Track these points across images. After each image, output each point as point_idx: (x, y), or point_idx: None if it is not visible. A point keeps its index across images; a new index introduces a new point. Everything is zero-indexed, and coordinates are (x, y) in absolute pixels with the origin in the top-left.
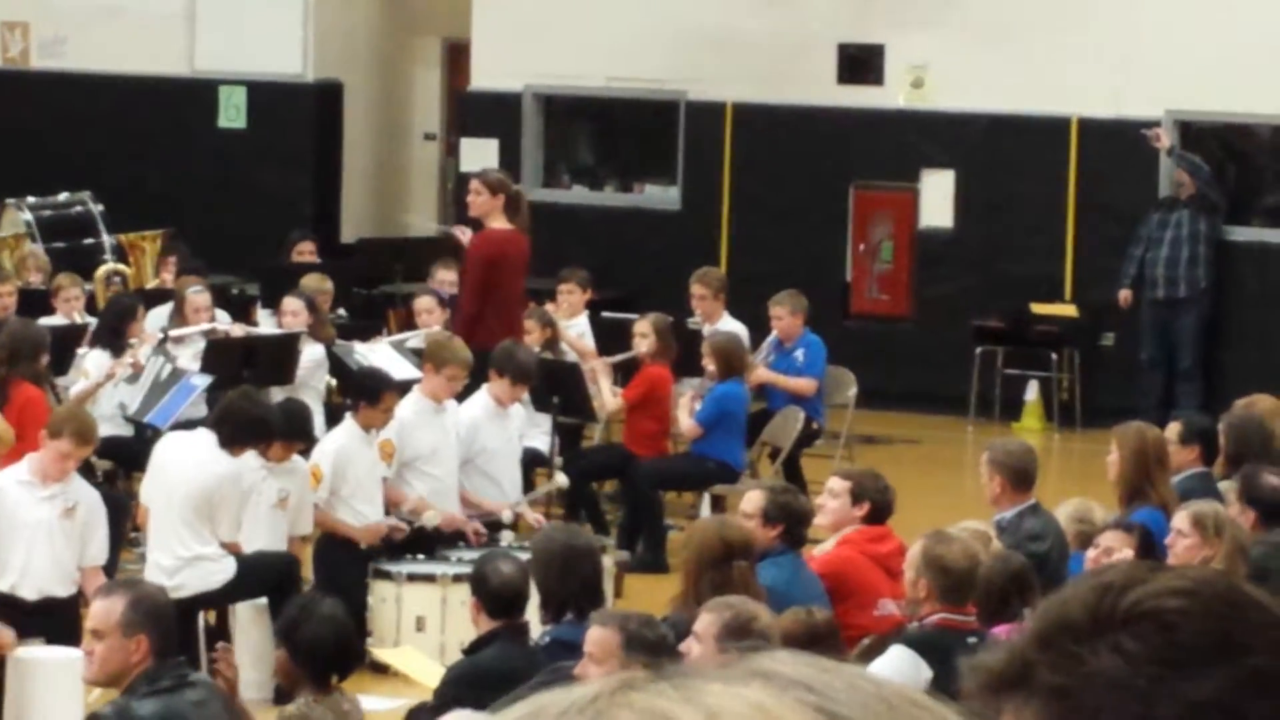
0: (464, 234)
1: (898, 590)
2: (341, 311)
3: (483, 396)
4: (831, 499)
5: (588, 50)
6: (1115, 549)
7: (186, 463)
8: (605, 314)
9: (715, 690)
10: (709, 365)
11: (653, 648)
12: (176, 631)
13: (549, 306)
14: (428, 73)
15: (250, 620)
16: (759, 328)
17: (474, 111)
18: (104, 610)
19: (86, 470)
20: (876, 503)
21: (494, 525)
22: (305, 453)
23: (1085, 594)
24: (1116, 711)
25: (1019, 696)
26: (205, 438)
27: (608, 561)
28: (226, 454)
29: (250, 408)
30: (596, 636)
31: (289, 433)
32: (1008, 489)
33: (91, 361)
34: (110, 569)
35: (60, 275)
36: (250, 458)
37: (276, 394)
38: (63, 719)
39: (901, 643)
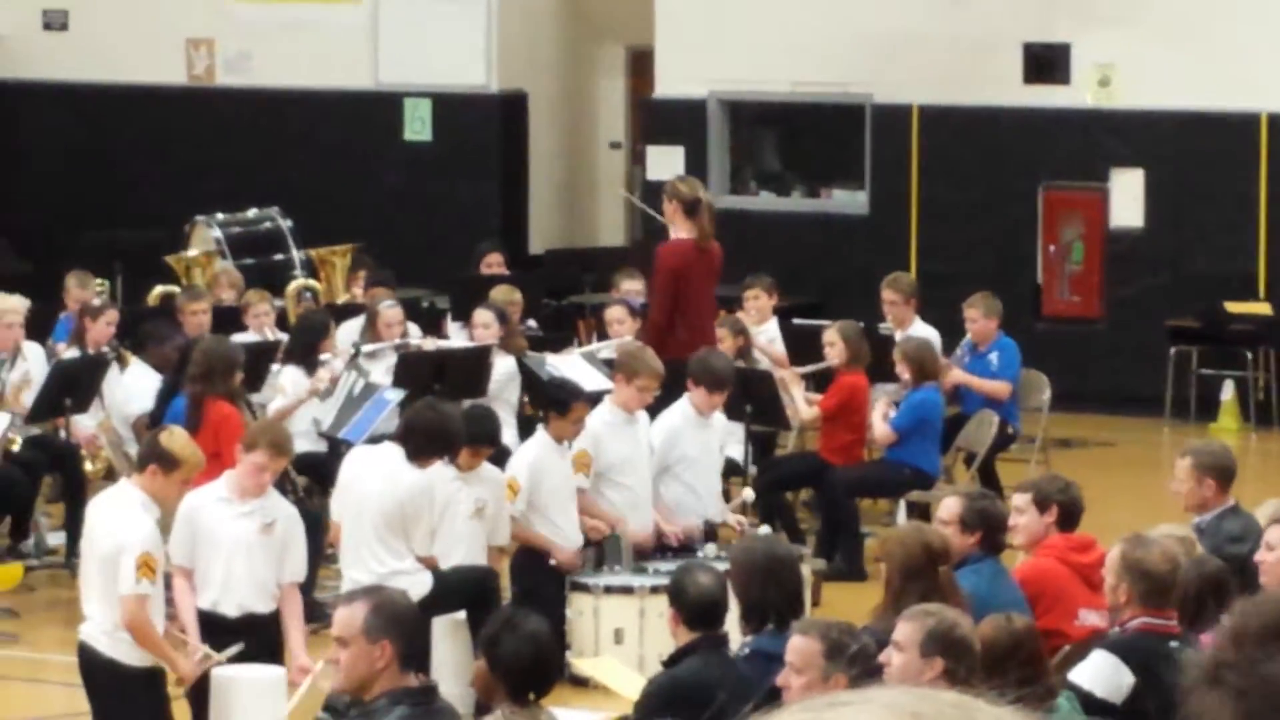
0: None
1: (1097, 601)
2: (532, 323)
3: (684, 405)
4: (1018, 515)
5: (772, 55)
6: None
7: (375, 478)
8: (795, 320)
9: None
10: (903, 372)
11: (855, 657)
12: (420, 636)
13: (739, 314)
14: (612, 81)
15: (449, 634)
16: (951, 332)
17: (659, 119)
18: (347, 617)
19: (282, 486)
20: (1063, 504)
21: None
22: (496, 460)
23: (1272, 599)
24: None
25: (1217, 695)
26: (393, 452)
27: (805, 570)
28: (414, 467)
29: (435, 418)
30: (798, 646)
31: (474, 438)
32: (1214, 490)
33: (287, 378)
34: (308, 586)
35: (250, 292)
36: (443, 470)
37: (468, 406)
38: None
39: (1103, 648)
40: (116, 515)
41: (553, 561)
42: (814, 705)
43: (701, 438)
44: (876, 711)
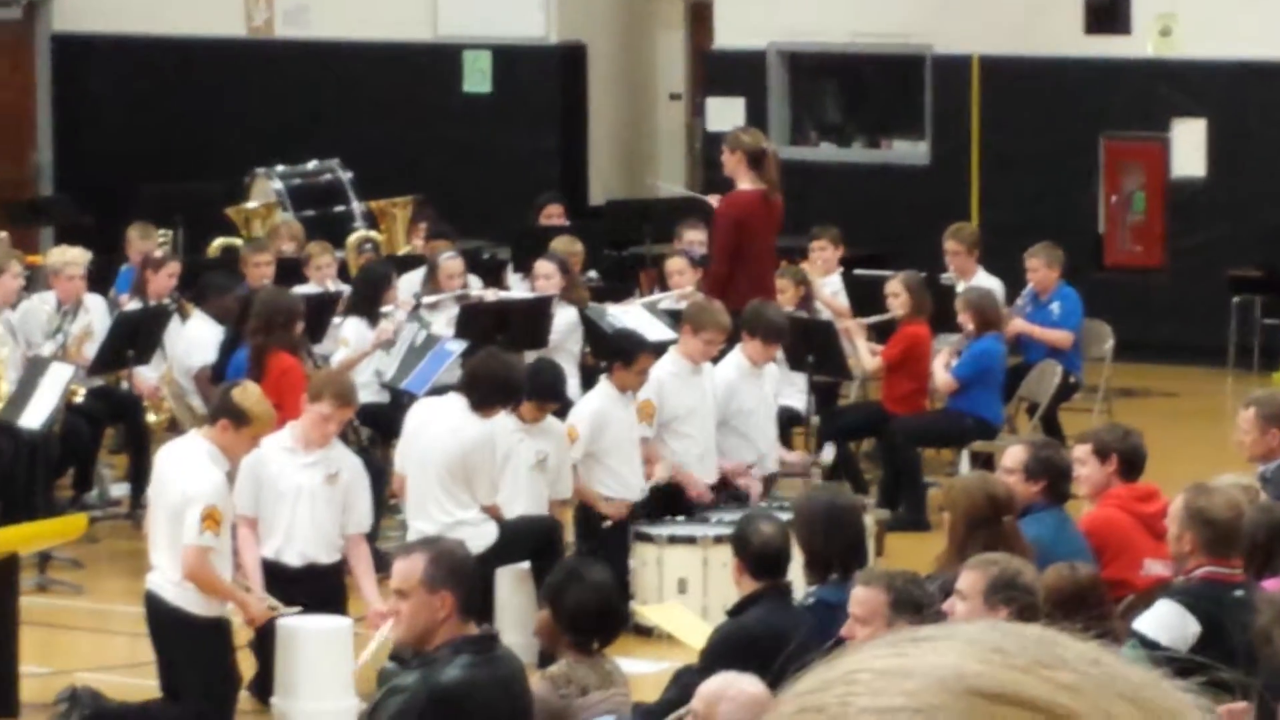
0: (714, 200)
1: (1162, 551)
2: (592, 274)
3: (736, 356)
4: (1080, 466)
5: (831, 6)
6: None
7: (439, 429)
8: (857, 271)
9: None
10: (965, 323)
11: (919, 606)
12: (479, 586)
13: (804, 265)
14: (671, 32)
15: (513, 585)
16: (1012, 282)
17: (718, 70)
18: (406, 569)
19: (345, 436)
20: (1123, 452)
21: (736, 496)
22: (560, 413)
23: None
24: None
25: None
26: (456, 402)
27: (869, 520)
28: (478, 417)
29: (497, 368)
30: (862, 596)
31: (539, 392)
32: (1278, 439)
33: (349, 330)
34: (371, 536)
35: (311, 244)
36: (505, 419)
37: (529, 356)
38: (331, 686)
39: (1168, 596)
40: (186, 466)
41: (602, 508)
42: (897, 640)
43: (756, 388)
44: (959, 647)
